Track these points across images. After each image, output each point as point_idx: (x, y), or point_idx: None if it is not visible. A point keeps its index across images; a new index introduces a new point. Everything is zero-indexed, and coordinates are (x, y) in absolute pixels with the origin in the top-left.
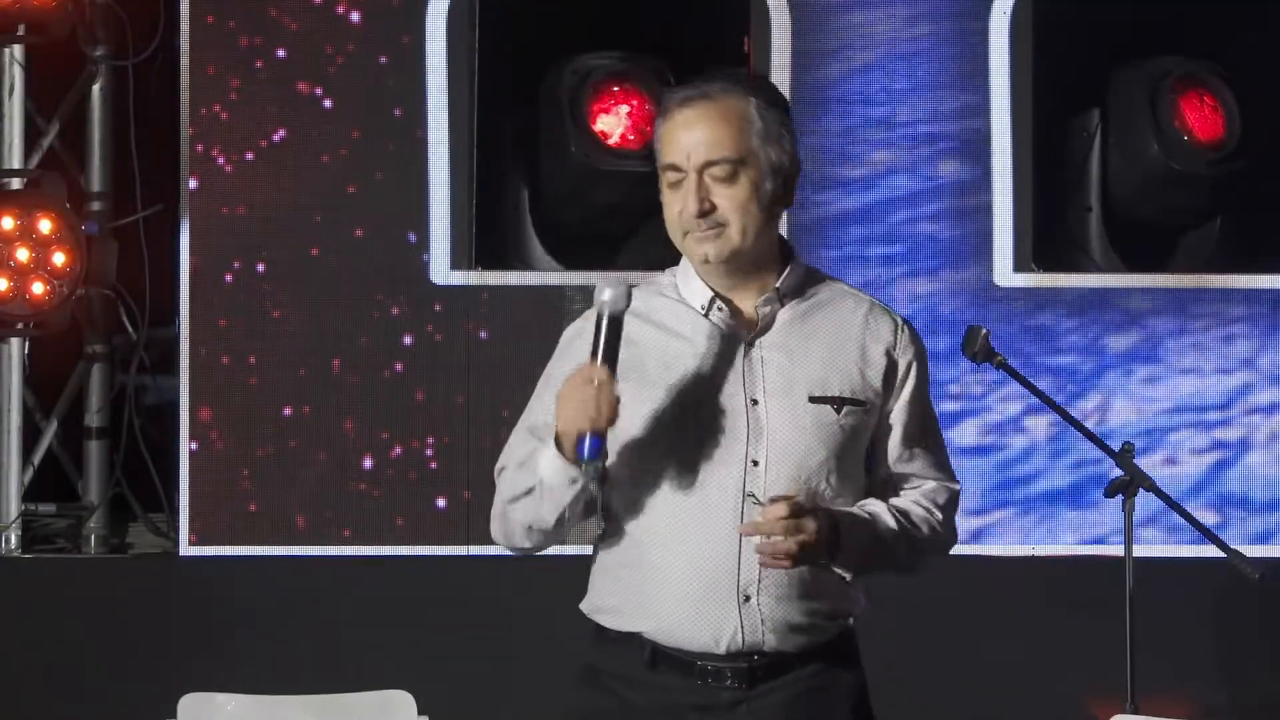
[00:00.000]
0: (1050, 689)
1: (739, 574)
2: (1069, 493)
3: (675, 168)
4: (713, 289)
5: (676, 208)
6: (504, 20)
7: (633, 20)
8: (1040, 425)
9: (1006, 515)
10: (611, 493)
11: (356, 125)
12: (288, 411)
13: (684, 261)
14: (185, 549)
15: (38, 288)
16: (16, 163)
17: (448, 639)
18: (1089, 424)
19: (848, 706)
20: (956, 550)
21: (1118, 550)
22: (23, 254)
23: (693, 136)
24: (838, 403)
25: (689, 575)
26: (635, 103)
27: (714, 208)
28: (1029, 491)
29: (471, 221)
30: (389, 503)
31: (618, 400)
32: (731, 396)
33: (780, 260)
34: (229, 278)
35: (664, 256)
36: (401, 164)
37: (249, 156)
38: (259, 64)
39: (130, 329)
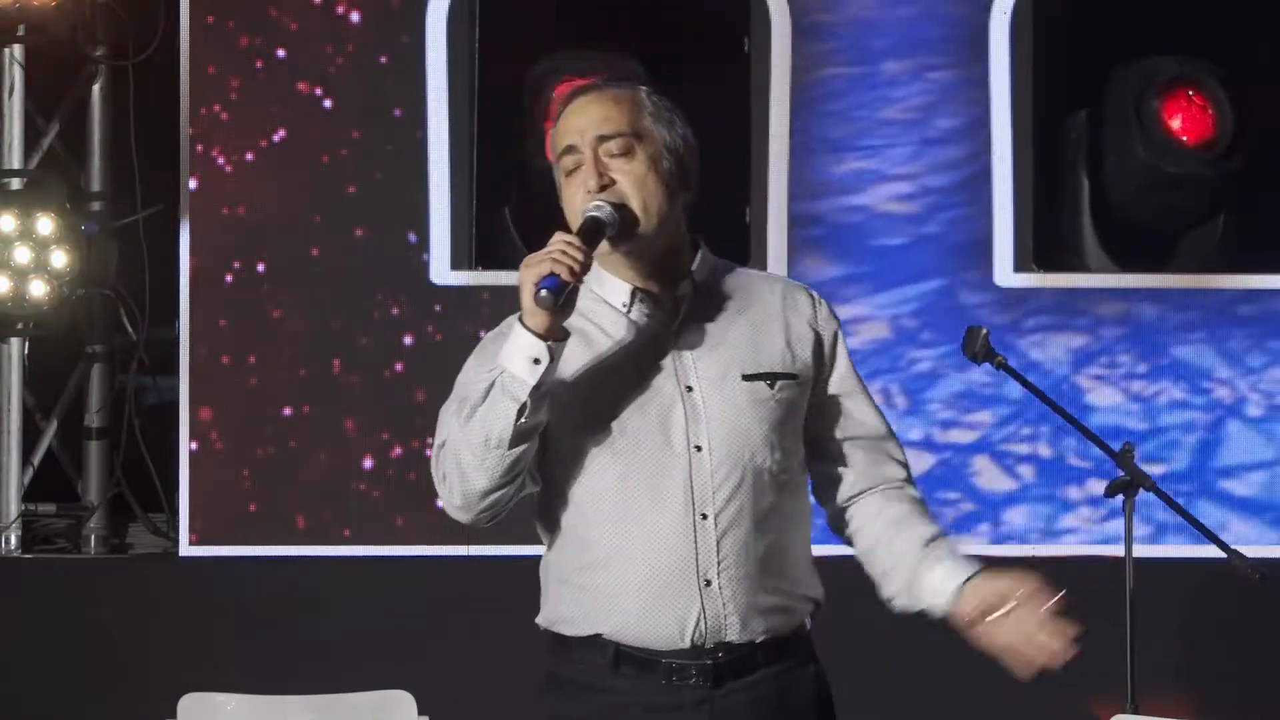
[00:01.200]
0: (1050, 689)
1: (697, 559)
2: (1069, 492)
3: (571, 149)
4: (630, 284)
5: (579, 195)
6: (504, 20)
7: (633, 20)
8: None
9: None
10: (559, 502)
11: (356, 125)
12: (288, 411)
13: (595, 263)
14: (185, 549)
15: (38, 288)
16: (16, 163)
17: (448, 639)
18: (1088, 423)
19: (812, 706)
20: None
21: (1118, 550)
22: (23, 254)
23: (585, 117)
24: (770, 378)
25: (647, 568)
26: None
27: (613, 182)
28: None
29: (471, 221)
30: (389, 503)
31: (588, 258)
32: (665, 387)
33: (691, 249)
34: (229, 278)
35: None
36: (401, 164)
37: (249, 156)
38: (259, 64)
39: (130, 329)
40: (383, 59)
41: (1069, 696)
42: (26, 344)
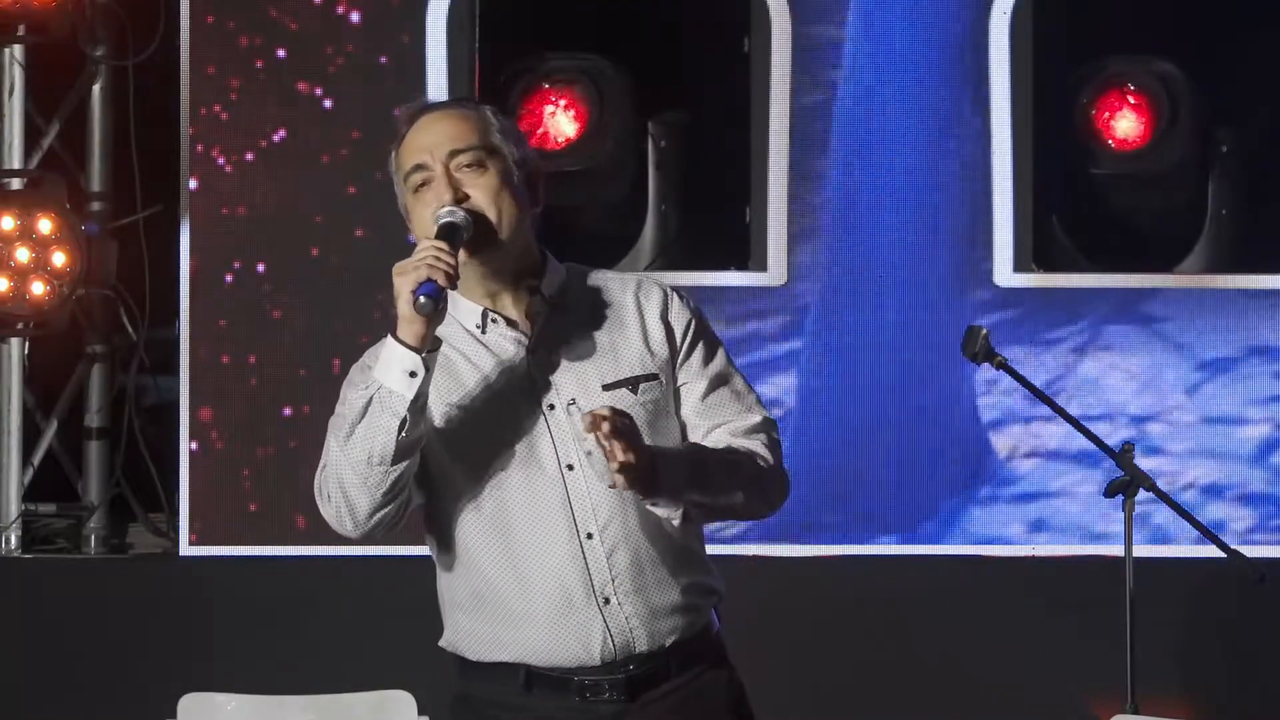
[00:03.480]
0: (1050, 689)
1: (591, 579)
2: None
3: (421, 166)
4: (480, 305)
5: (429, 210)
6: (504, 20)
7: (633, 20)
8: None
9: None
10: (443, 530)
11: (356, 125)
12: (288, 411)
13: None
14: (185, 549)
15: (38, 288)
16: (16, 163)
17: None
18: (1087, 423)
19: (728, 708)
20: (956, 550)
21: (1118, 550)
22: (23, 254)
23: (434, 134)
24: (632, 383)
25: (543, 594)
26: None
27: (467, 197)
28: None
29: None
30: None
31: (455, 259)
32: (527, 406)
33: (540, 262)
34: (229, 278)
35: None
36: None
37: (249, 156)
38: (259, 64)
39: (130, 329)
40: (383, 59)
41: (1069, 696)
42: (26, 344)
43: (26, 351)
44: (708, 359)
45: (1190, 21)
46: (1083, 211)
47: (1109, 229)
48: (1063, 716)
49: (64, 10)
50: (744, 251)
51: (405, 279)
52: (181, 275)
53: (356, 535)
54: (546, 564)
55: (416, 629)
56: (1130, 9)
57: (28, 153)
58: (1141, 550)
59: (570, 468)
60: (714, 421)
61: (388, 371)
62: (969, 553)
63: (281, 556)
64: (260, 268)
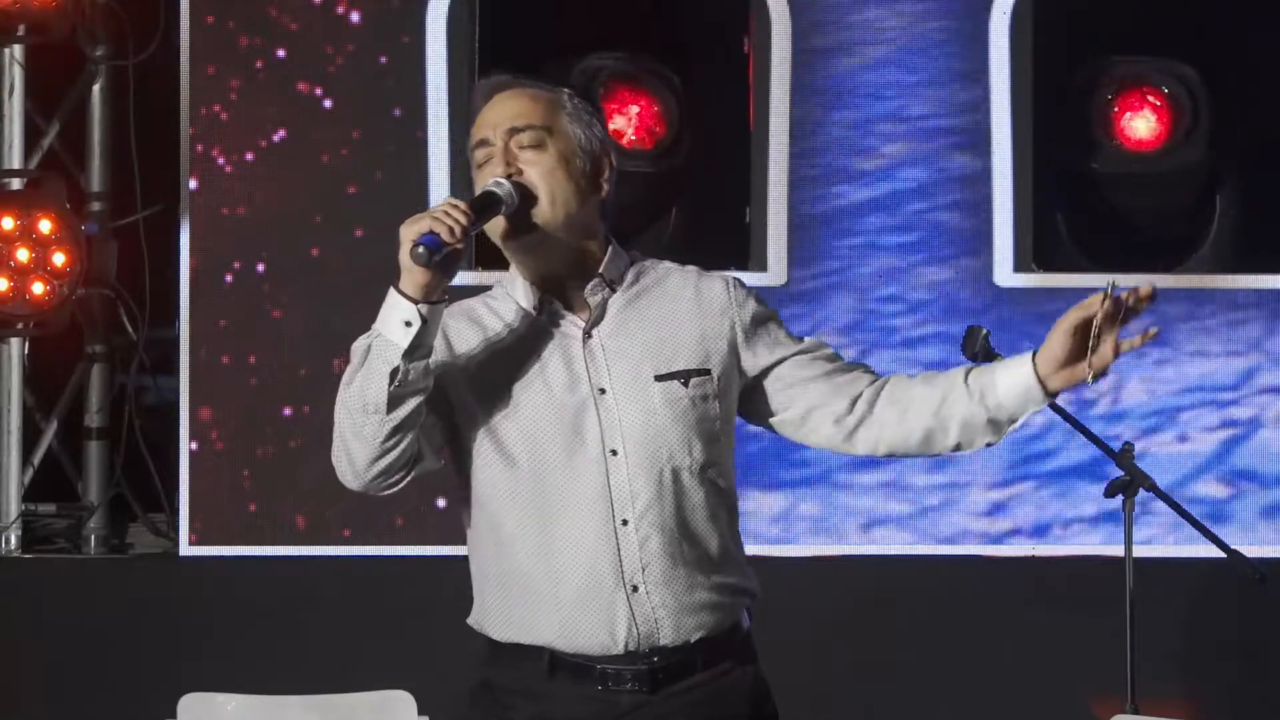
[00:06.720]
0: (1050, 689)
1: (621, 564)
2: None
3: (484, 141)
4: (540, 286)
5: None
6: (504, 20)
7: (633, 20)
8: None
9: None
10: (477, 503)
11: (356, 125)
12: (288, 411)
13: (511, 267)
14: (185, 549)
15: (38, 288)
16: (16, 163)
17: (448, 639)
18: (1089, 423)
19: (750, 706)
20: (956, 550)
21: (1118, 550)
22: (23, 254)
23: (500, 111)
24: (684, 376)
25: (572, 576)
26: (644, 103)
27: (520, 173)
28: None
29: None
30: (389, 503)
31: (473, 225)
32: (578, 390)
33: (602, 249)
34: (229, 278)
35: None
36: (401, 164)
37: (249, 156)
38: (259, 64)
39: (130, 329)
40: (383, 59)
41: (1069, 696)
42: (26, 344)
43: (26, 351)
44: (780, 336)
45: (1190, 21)
46: (1087, 211)
47: (1114, 229)
48: (1063, 716)
49: (64, 10)
50: (744, 251)
51: (410, 229)
52: (181, 275)
53: (357, 486)
54: (579, 546)
55: (416, 629)
56: (1130, 9)
57: (28, 153)
58: (1141, 550)
59: (614, 452)
60: (813, 375)
61: (386, 320)
62: (969, 553)
63: (281, 556)
64: (260, 268)
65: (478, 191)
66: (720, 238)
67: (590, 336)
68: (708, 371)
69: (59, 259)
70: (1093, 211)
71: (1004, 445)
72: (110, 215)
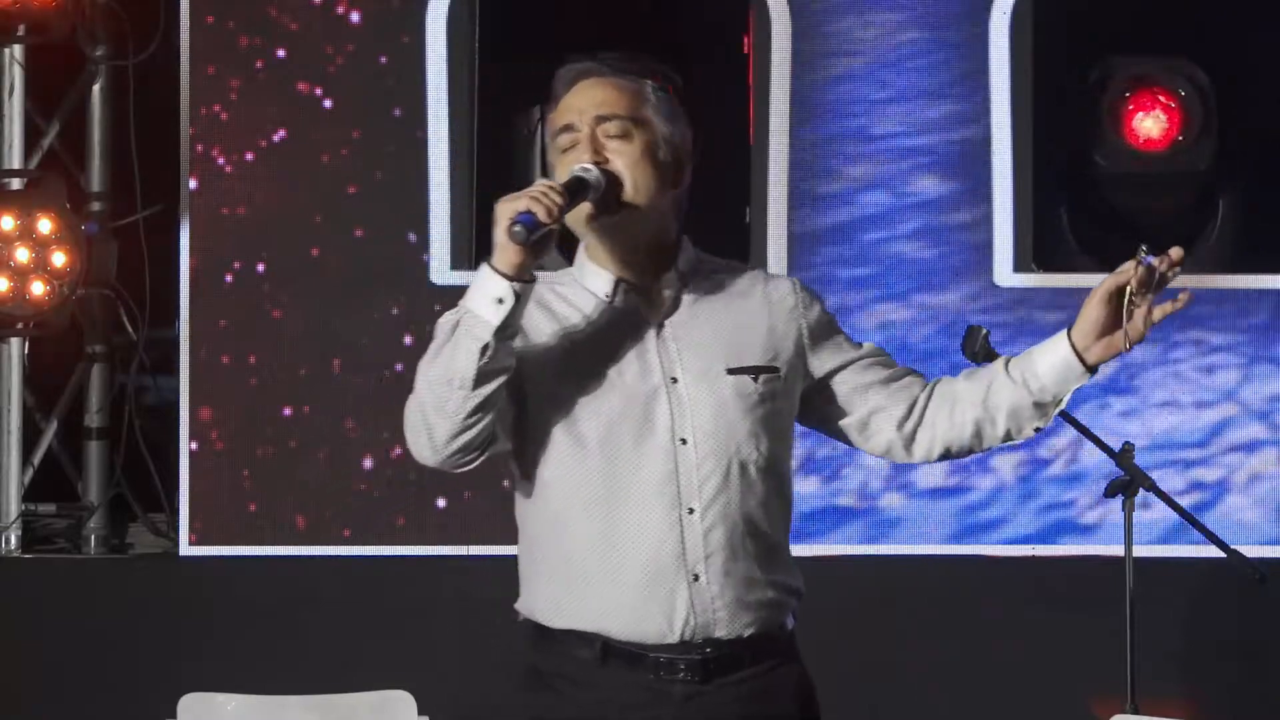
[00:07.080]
0: (1050, 689)
1: (685, 553)
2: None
3: (569, 128)
4: (615, 274)
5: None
6: (504, 20)
7: (633, 20)
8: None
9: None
10: (540, 487)
11: (356, 125)
12: (288, 411)
13: (580, 255)
14: (185, 549)
15: (38, 288)
16: (16, 163)
17: (448, 639)
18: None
19: (797, 704)
20: (957, 550)
21: (1118, 550)
22: (23, 254)
23: (586, 98)
24: (754, 371)
25: (634, 561)
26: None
27: (607, 161)
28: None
29: (472, 221)
30: (389, 503)
31: (567, 206)
32: (650, 377)
33: (677, 241)
34: (229, 278)
35: None
36: (401, 164)
37: (249, 156)
38: (259, 64)
39: (130, 329)
40: (383, 59)
41: (1069, 696)
42: (26, 344)
43: (26, 351)
44: (842, 341)
45: (1190, 21)
46: (1087, 210)
47: (1114, 228)
48: (1063, 716)
49: (64, 10)
50: (744, 251)
51: (506, 207)
52: (181, 275)
53: (434, 461)
54: (644, 531)
55: (416, 629)
56: (1130, 9)
57: (28, 153)
58: (1141, 550)
59: (684, 441)
60: (873, 381)
61: (477, 296)
62: (969, 553)
63: (281, 556)
64: (260, 268)
65: (562, 177)
66: (720, 238)
67: (664, 326)
68: (776, 370)
69: (59, 259)
70: (1093, 211)
71: (1004, 445)
72: (110, 215)
